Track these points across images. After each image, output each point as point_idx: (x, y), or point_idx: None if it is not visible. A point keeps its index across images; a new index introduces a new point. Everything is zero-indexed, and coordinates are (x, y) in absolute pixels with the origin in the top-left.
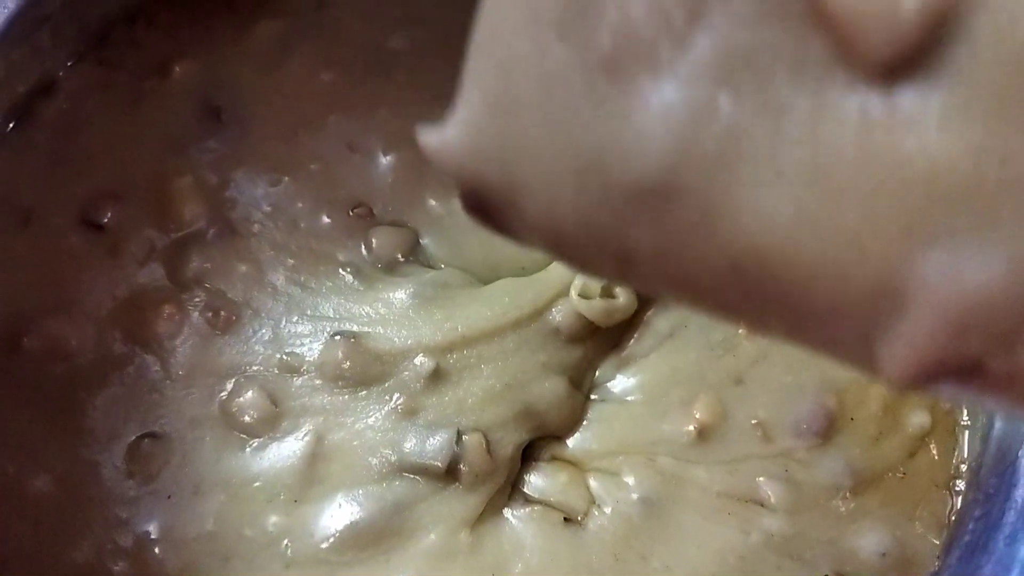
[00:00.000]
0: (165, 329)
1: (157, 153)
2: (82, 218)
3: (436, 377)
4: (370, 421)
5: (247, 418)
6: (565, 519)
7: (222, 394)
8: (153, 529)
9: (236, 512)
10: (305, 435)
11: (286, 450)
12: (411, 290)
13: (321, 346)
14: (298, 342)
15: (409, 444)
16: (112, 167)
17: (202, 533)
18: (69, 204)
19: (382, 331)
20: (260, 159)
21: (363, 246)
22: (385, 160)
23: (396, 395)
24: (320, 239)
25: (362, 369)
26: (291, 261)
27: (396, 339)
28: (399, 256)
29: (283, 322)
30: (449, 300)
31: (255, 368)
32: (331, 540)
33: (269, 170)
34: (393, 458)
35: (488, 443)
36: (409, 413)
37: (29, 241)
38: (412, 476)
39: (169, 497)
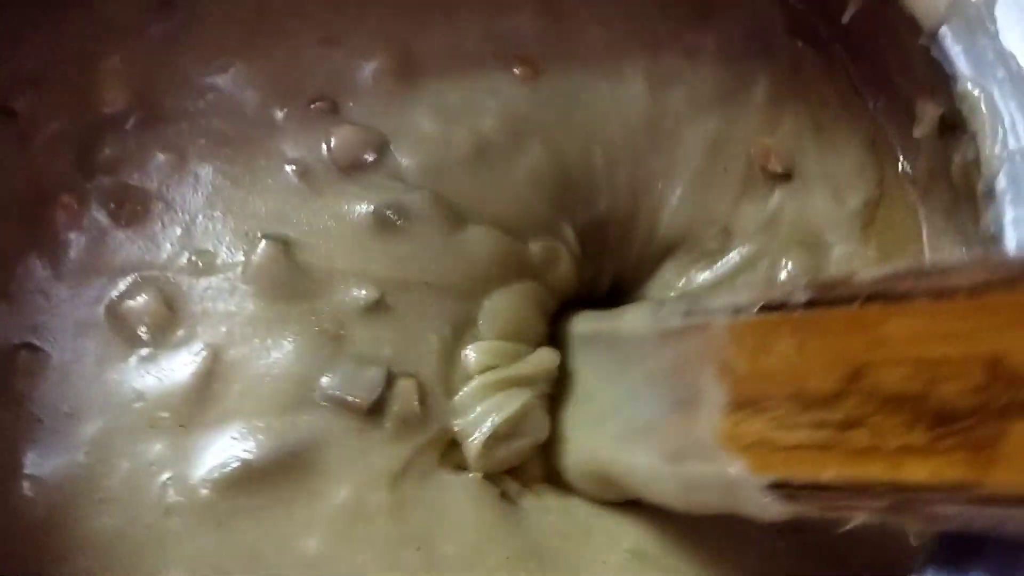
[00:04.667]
0: (62, 221)
1: (88, 32)
2: None
3: (376, 310)
4: (284, 340)
5: (137, 324)
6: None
7: (112, 295)
8: (21, 460)
9: (113, 440)
10: (202, 348)
11: (177, 364)
12: (371, 208)
13: (241, 247)
14: (213, 240)
15: (329, 374)
16: (35, 48)
17: (74, 466)
18: None
19: (322, 245)
20: (210, 41)
21: (322, 143)
22: (370, 64)
23: (322, 317)
24: (268, 129)
25: (286, 282)
26: (226, 151)
27: (338, 259)
28: (365, 157)
29: (200, 217)
30: (417, 236)
31: (156, 268)
32: (218, 479)
33: (219, 53)
34: (306, 387)
35: (423, 393)
36: (335, 340)
37: None
38: (325, 410)
39: (40, 421)
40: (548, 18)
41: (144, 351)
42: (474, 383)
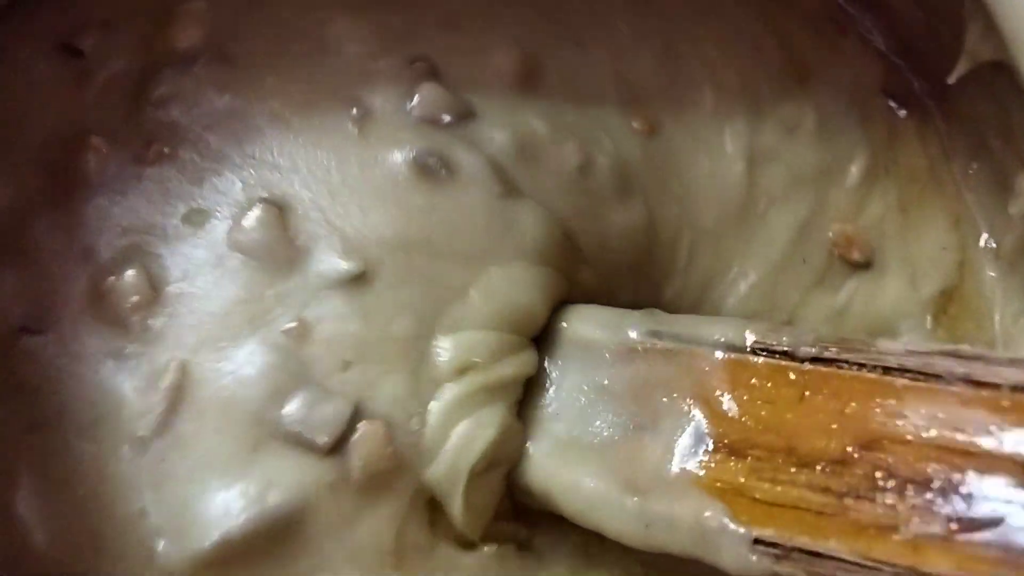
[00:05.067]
0: (92, 165)
1: None
2: (63, 43)
3: (353, 287)
4: (248, 349)
5: (122, 304)
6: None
7: (102, 261)
8: (16, 478)
9: (104, 470)
10: (170, 359)
11: (151, 374)
12: (413, 153)
13: (238, 207)
14: (214, 194)
15: (292, 404)
16: None
17: (68, 504)
18: (51, 28)
19: (324, 202)
20: None
21: (406, 96)
22: (492, 56)
23: (293, 302)
24: (352, 76)
25: (269, 248)
26: (297, 90)
27: (330, 214)
28: (443, 116)
29: (221, 163)
30: (455, 191)
31: (151, 228)
32: (208, 556)
33: (325, 7)
34: (267, 417)
35: (391, 431)
36: (299, 340)
37: None
38: (289, 451)
39: (33, 428)
40: (667, 70)
41: (128, 347)
42: (445, 398)
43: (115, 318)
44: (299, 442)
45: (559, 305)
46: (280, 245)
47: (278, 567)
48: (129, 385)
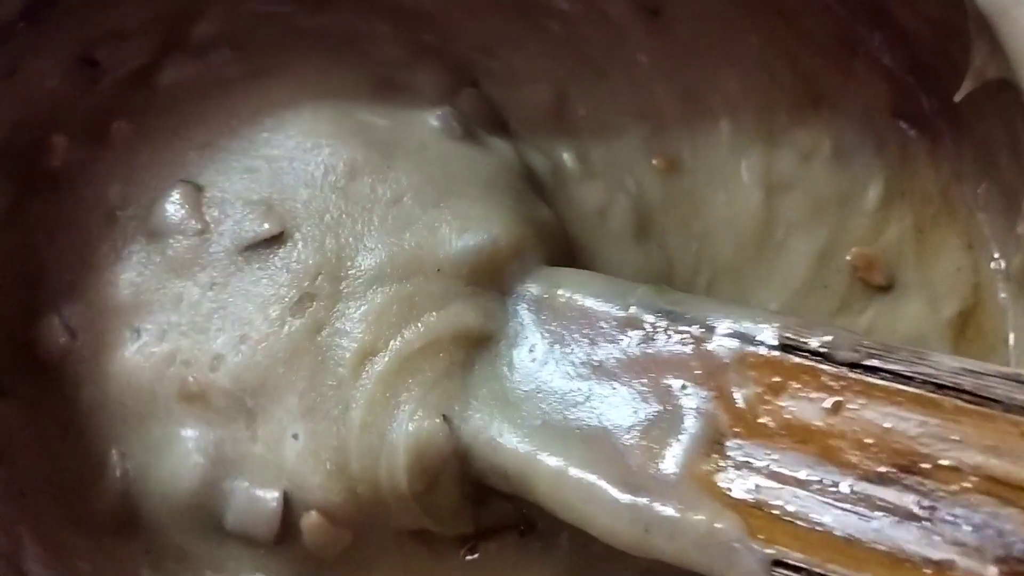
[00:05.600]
0: (58, 161)
1: None
2: (80, 56)
3: (270, 246)
4: (165, 435)
5: (50, 356)
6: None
7: (32, 303)
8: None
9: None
10: (109, 452)
11: (90, 455)
12: (439, 113)
13: (159, 192)
14: (147, 180)
15: (227, 502)
16: (130, 9)
17: None
18: (69, 42)
19: (277, 152)
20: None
21: (446, 90)
22: (527, 89)
23: (190, 364)
24: (381, 63)
25: (182, 225)
26: (318, 66)
27: (279, 165)
28: (482, 119)
29: (195, 137)
30: (463, 149)
31: (80, 239)
32: None
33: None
34: (213, 515)
35: (328, 513)
36: (202, 400)
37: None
38: (248, 549)
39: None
40: (684, 99)
41: (70, 426)
42: (355, 423)
43: (46, 374)
44: (251, 541)
45: (542, 266)
46: (194, 218)
47: None
48: (77, 469)
